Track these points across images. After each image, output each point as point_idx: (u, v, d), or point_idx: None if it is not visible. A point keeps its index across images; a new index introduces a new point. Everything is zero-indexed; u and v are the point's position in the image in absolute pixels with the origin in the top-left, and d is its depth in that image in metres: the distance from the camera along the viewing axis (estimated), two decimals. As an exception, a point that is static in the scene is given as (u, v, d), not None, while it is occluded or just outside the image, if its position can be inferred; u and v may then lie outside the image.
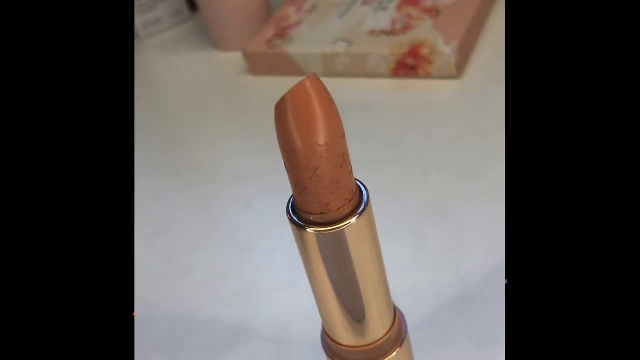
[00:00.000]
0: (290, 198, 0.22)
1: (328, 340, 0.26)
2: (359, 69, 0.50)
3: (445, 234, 0.36)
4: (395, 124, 0.45)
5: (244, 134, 0.49)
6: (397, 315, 0.25)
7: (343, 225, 0.21)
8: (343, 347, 0.25)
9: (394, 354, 0.25)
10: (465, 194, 0.38)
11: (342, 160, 0.20)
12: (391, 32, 0.51)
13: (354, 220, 0.21)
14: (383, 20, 0.53)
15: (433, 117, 0.45)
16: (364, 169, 0.41)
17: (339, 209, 0.21)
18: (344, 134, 0.20)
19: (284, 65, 0.53)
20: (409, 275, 0.34)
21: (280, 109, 0.19)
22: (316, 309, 0.28)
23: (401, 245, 0.36)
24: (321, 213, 0.21)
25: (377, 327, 0.24)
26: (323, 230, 0.21)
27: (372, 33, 0.51)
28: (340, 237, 0.21)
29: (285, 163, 0.20)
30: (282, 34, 0.55)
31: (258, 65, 0.55)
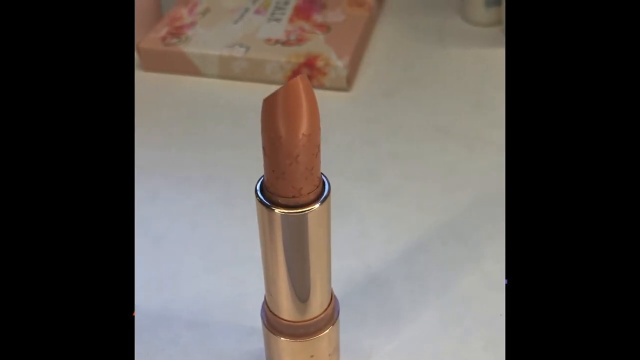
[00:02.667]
0: (259, 181, 0.24)
1: (269, 314, 0.28)
2: (255, 74, 0.53)
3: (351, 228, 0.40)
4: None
5: (141, 129, 0.49)
6: (333, 297, 0.29)
7: (308, 210, 0.24)
8: (284, 322, 0.28)
9: (327, 330, 0.28)
10: (363, 194, 0.42)
11: (317, 150, 0.23)
12: (286, 42, 0.54)
13: (317, 205, 0.24)
14: (277, 31, 0.56)
15: (327, 124, 0.48)
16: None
17: (308, 193, 0.23)
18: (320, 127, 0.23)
19: (179, 64, 0.54)
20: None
21: (270, 101, 0.22)
22: (234, 294, 0.34)
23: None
24: (293, 196, 0.23)
25: (317, 305, 0.27)
26: (290, 212, 0.24)
27: (268, 41, 0.54)
28: (304, 220, 0.24)
29: (265, 149, 0.23)
30: (177, 32, 0.56)
31: (151, 61, 0.55)
